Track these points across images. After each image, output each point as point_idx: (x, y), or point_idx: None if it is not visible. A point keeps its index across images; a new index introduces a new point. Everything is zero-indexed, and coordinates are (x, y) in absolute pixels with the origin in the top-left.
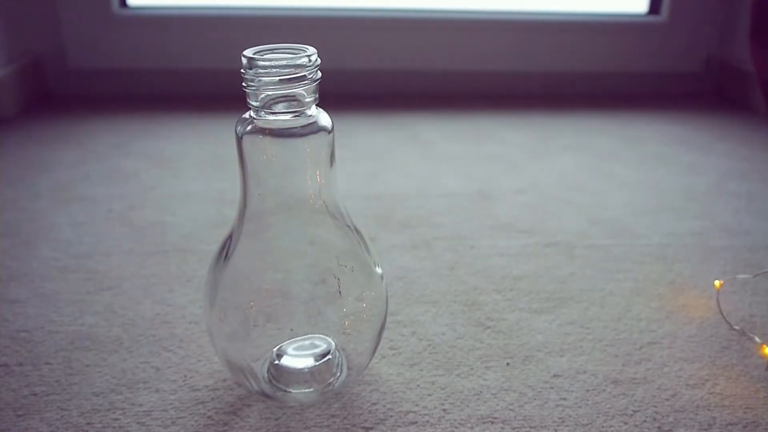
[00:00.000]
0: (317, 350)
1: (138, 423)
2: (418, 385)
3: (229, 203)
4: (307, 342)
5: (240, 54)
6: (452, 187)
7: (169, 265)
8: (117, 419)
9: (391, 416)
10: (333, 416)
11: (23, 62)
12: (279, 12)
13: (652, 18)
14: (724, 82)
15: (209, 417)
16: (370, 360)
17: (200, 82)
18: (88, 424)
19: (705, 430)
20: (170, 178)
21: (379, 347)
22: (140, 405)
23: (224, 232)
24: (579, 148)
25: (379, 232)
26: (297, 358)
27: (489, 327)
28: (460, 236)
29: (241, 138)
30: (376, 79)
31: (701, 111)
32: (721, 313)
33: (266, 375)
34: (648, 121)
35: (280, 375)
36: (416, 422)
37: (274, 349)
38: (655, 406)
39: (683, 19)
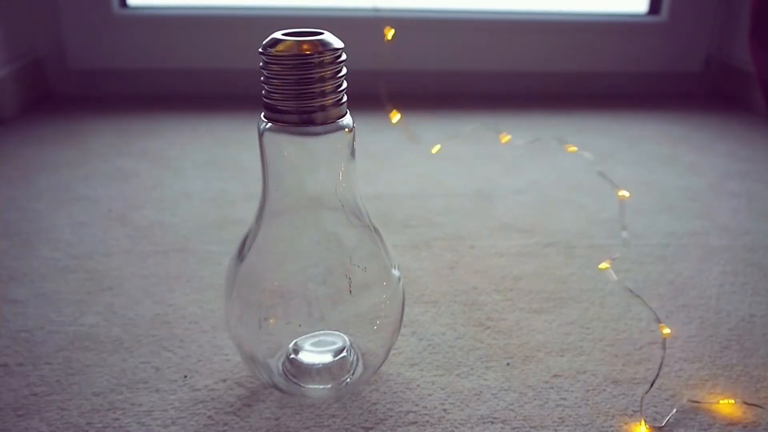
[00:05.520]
0: (335, 347)
1: (138, 423)
2: (418, 385)
3: (229, 203)
4: (327, 339)
5: (240, 54)
6: (452, 187)
7: (169, 265)
8: (117, 419)
9: (391, 416)
10: (333, 416)
11: (23, 62)
12: (279, 12)
13: (652, 18)
14: (724, 82)
15: (209, 417)
16: (384, 360)
17: (200, 82)
18: (88, 424)
19: (705, 430)
20: (170, 178)
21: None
22: (140, 405)
23: (224, 232)
24: (579, 148)
25: None
26: (314, 354)
27: (489, 327)
28: (460, 236)
29: (262, 135)
30: (377, 79)
31: (701, 111)
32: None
33: (281, 368)
34: (648, 121)
35: (295, 370)
36: (416, 422)
37: (290, 345)
38: (655, 406)
39: (683, 19)
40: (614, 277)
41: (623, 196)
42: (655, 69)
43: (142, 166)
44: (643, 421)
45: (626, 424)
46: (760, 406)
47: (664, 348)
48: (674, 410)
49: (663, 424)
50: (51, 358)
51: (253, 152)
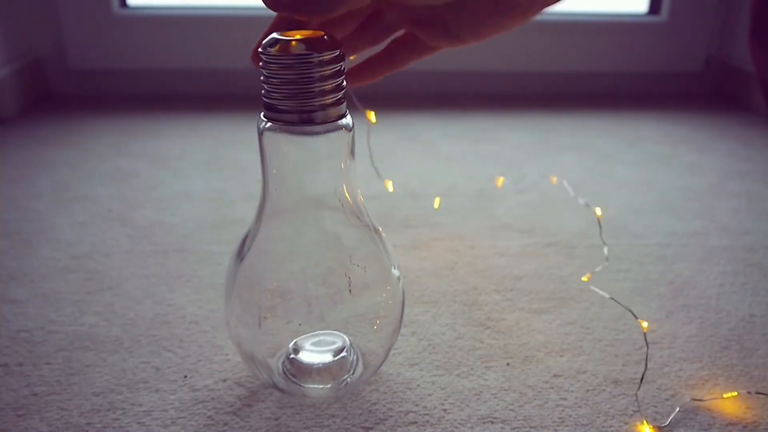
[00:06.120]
0: (334, 347)
1: (138, 423)
2: (418, 385)
3: (229, 203)
4: (327, 338)
5: (240, 54)
6: (452, 187)
7: (169, 265)
8: (117, 419)
9: (391, 416)
10: (333, 416)
11: (23, 62)
12: None
13: (652, 18)
14: (724, 82)
15: (209, 417)
16: (384, 359)
17: (200, 82)
18: (88, 424)
19: (705, 430)
20: (170, 178)
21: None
22: (140, 405)
23: (224, 232)
24: (579, 148)
25: None
26: (314, 353)
27: (489, 327)
28: (460, 236)
29: (262, 134)
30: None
31: (701, 111)
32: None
33: (281, 368)
34: (648, 121)
35: (295, 370)
36: (416, 422)
37: (290, 345)
38: (655, 406)
39: (683, 19)
40: (601, 292)
41: (598, 214)
42: (655, 69)
43: (142, 166)
44: (644, 422)
45: (626, 423)
46: (765, 394)
47: (646, 343)
48: (677, 409)
49: (666, 424)
50: (51, 358)
51: (253, 152)
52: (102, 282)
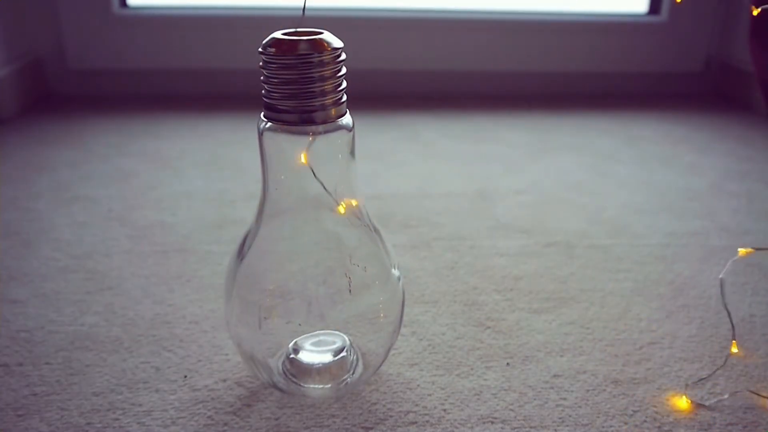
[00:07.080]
0: (334, 347)
1: (138, 423)
2: (418, 385)
3: (229, 203)
4: (327, 338)
5: (240, 54)
6: (452, 187)
7: (169, 265)
8: (117, 419)
9: (391, 416)
10: (333, 416)
11: (23, 62)
12: (279, 12)
13: (652, 18)
14: (724, 82)
15: (209, 417)
16: (384, 359)
17: (200, 82)
18: (88, 424)
19: (705, 430)
20: (170, 178)
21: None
22: (140, 405)
23: (224, 232)
24: (579, 148)
25: None
26: (314, 353)
27: (489, 327)
28: (460, 236)
29: (262, 134)
30: (376, 79)
31: (701, 111)
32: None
33: (281, 368)
34: (648, 121)
35: (295, 369)
36: (416, 422)
37: (290, 345)
38: (655, 406)
39: (683, 19)
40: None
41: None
42: (655, 69)
43: (142, 166)
44: (685, 397)
45: (626, 423)
46: None
47: (733, 331)
48: (726, 395)
49: (710, 403)
50: (51, 358)
51: (253, 152)
52: (102, 282)
